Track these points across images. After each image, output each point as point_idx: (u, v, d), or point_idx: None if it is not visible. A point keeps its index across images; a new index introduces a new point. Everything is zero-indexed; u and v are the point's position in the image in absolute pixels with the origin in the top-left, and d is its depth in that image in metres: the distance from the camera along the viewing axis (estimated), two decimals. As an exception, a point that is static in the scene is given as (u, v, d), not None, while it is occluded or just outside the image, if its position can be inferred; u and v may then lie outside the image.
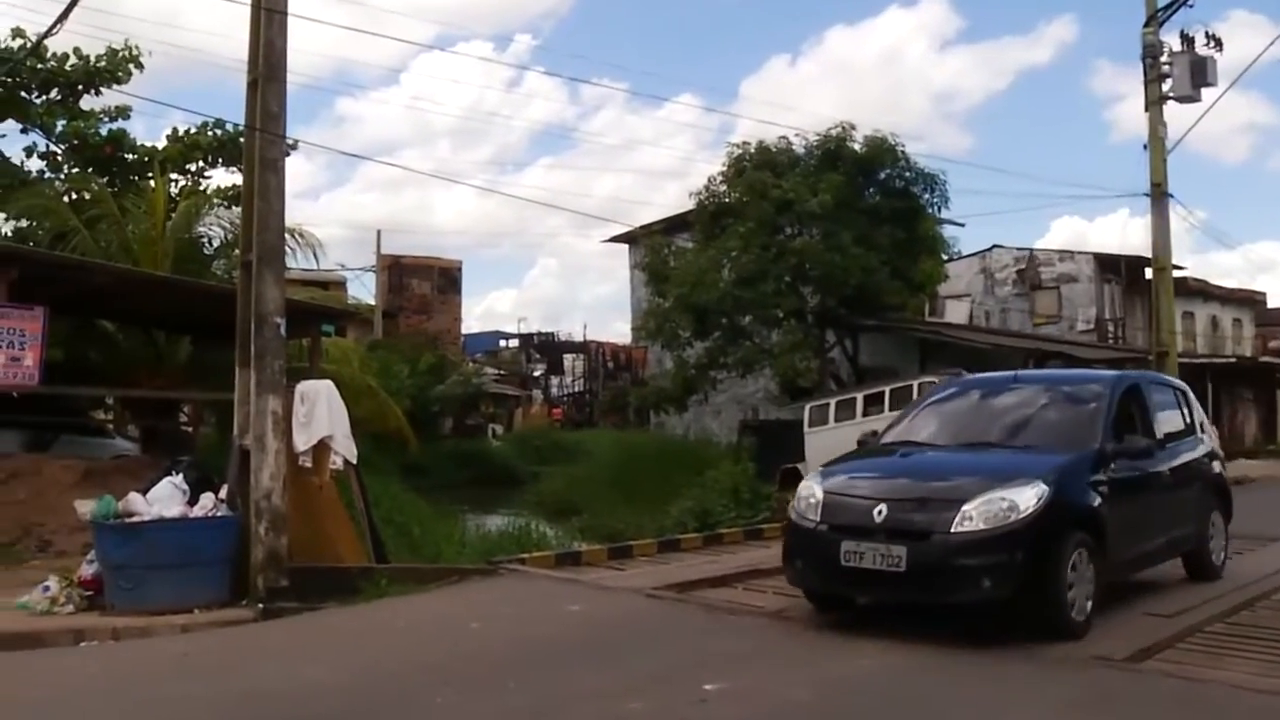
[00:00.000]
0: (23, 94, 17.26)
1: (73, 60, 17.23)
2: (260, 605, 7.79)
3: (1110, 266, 32.37)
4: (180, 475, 8.26)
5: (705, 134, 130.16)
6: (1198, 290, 34.71)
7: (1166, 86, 16.67)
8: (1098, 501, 6.77)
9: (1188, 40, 16.66)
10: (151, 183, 16.56)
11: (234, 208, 15.66)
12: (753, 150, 22.04)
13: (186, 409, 16.08)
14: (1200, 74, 16.58)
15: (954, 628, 6.55)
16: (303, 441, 8.76)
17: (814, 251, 20.36)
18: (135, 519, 7.85)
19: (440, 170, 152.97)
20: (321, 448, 8.91)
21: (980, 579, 6.25)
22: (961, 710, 5.38)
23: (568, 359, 49.88)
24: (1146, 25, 16.71)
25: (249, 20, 8.54)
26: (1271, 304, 43.28)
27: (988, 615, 6.59)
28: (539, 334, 53.09)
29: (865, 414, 16.56)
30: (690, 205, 23.01)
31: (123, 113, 17.97)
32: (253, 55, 8.50)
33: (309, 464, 8.89)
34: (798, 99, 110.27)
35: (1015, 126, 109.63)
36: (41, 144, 17.78)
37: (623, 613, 7.58)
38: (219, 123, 17.65)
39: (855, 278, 20.31)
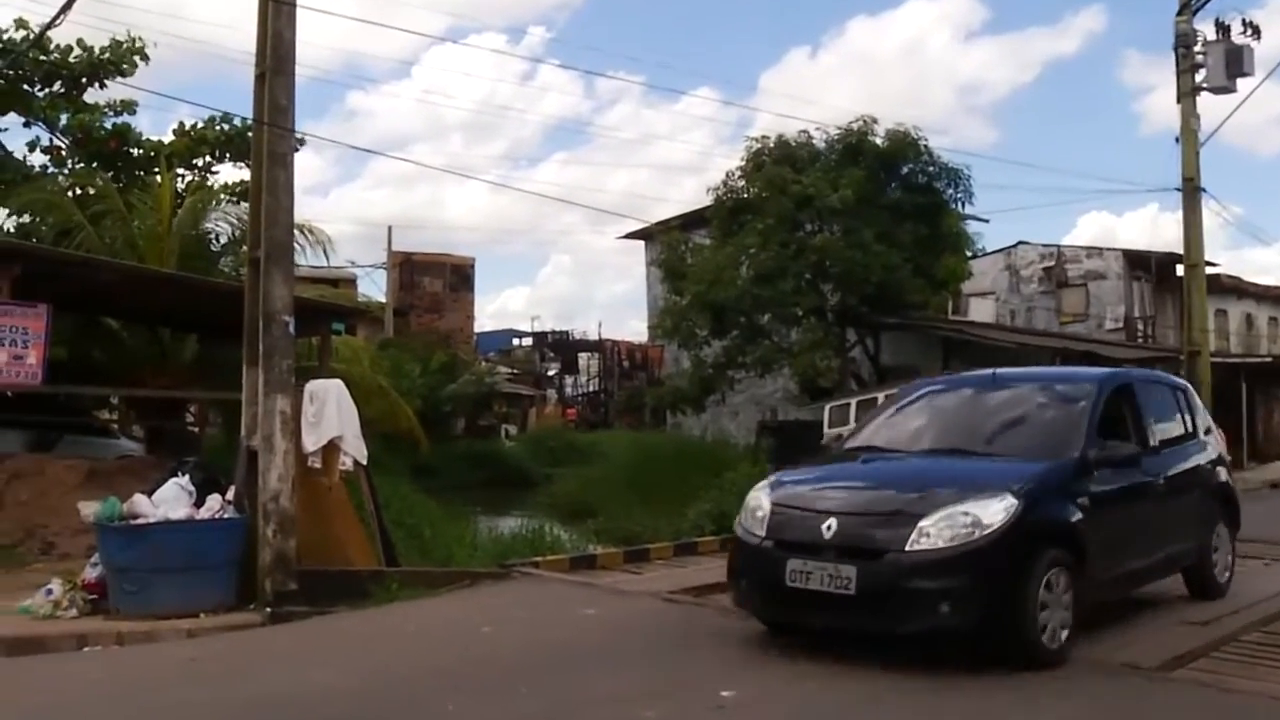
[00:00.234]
0: (25, 87, 17.14)
1: (76, 52, 17.09)
2: (268, 609, 7.73)
3: (1140, 263, 31.84)
4: (186, 476, 8.18)
5: (723, 128, 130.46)
6: (1231, 288, 33.92)
7: (1200, 77, 16.38)
8: (1077, 515, 6.12)
9: (1223, 28, 16.38)
10: (157, 178, 16.49)
11: (241, 203, 15.51)
12: (772, 144, 21.92)
13: (193, 409, 15.99)
14: (1236, 63, 16.26)
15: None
16: (312, 442, 8.69)
17: (834, 248, 20.18)
18: (140, 521, 7.77)
19: (452, 165, 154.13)
20: (331, 448, 8.84)
21: (937, 604, 5.61)
22: (986, 715, 5.26)
23: (582, 358, 49.76)
24: (1179, 13, 16.42)
25: (256, 12, 8.46)
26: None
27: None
28: (553, 332, 53.13)
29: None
30: (708, 201, 22.89)
31: (128, 107, 17.86)
32: (260, 48, 8.43)
33: (318, 465, 8.83)
34: (818, 92, 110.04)
35: (1042, 120, 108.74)
36: (45, 138, 17.66)
37: (639, 617, 7.46)
38: (226, 117, 17.55)
39: (877, 275, 20.14)
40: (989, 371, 8.01)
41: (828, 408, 18.20)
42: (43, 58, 16.78)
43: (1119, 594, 7.02)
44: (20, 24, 16.56)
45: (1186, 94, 16.32)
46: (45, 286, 10.54)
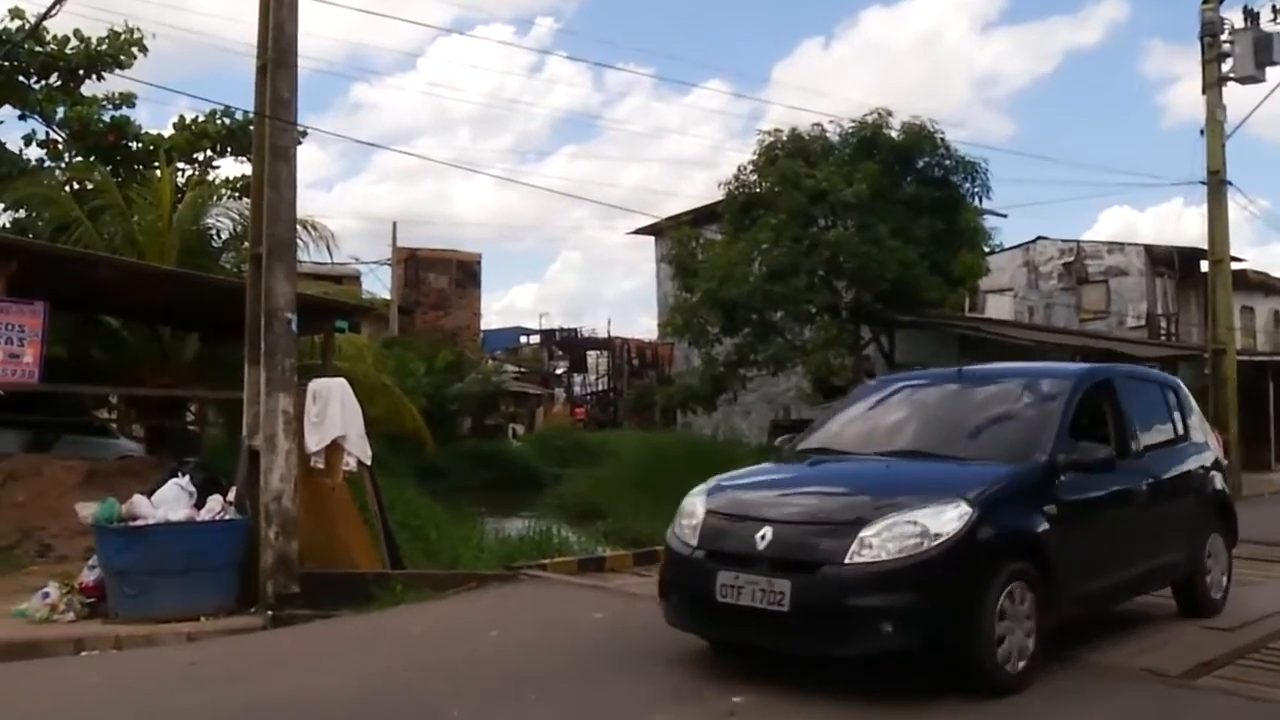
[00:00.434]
0: (21, 79, 17.04)
1: (73, 44, 16.99)
2: (270, 612, 7.67)
3: (1163, 259, 31.41)
4: (186, 477, 8.13)
5: (735, 121, 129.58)
6: (1259, 284, 33.26)
7: (1226, 66, 16.06)
8: (1043, 525, 5.62)
9: (1251, 15, 16.05)
10: (157, 172, 16.37)
11: (243, 199, 15.32)
12: (784, 138, 21.64)
13: (193, 408, 15.87)
14: (1265, 51, 15.90)
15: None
16: (315, 442, 8.62)
17: (849, 244, 19.94)
18: (139, 522, 7.71)
19: (459, 160, 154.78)
20: (334, 448, 8.77)
21: (878, 623, 5.10)
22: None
23: (591, 356, 49.57)
24: (1205, 1, 16.08)
25: (258, 3, 8.42)
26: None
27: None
28: (561, 330, 52.92)
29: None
30: (719, 196, 22.63)
31: (127, 99, 17.71)
32: (262, 39, 8.40)
33: (321, 465, 8.76)
34: (832, 84, 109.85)
35: (1062, 112, 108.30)
36: (41, 131, 17.61)
37: (648, 620, 7.20)
38: (227, 110, 17.58)
39: (892, 271, 19.89)
40: (954, 369, 7.51)
41: (840, 406, 17.95)
42: (39, 49, 16.69)
43: (1093, 611, 6.53)
44: (15, 13, 16.43)
45: (1212, 84, 16.01)
46: (42, 283, 10.46)
